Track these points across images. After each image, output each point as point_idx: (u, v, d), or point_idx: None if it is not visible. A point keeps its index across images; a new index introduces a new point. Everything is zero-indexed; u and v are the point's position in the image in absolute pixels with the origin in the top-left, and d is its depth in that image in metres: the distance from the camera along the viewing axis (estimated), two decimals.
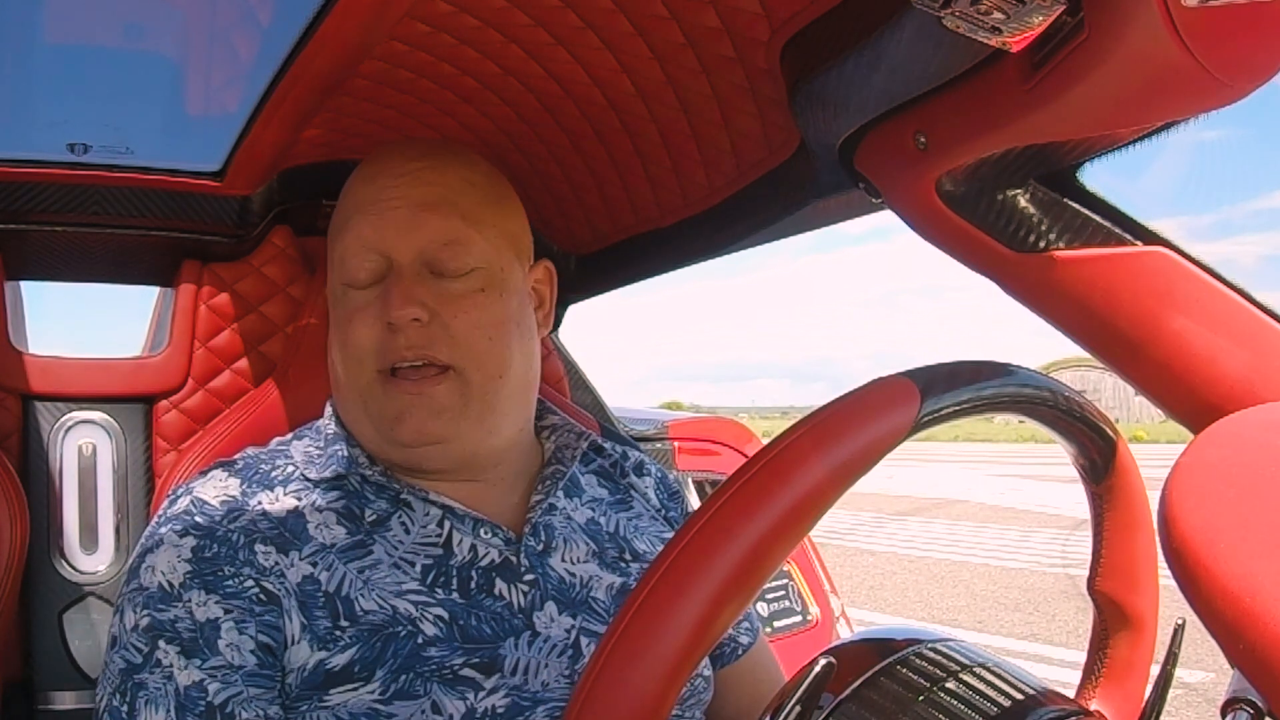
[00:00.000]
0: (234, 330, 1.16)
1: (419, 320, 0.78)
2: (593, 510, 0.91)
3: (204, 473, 0.83)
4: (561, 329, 1.45)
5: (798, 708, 0.49)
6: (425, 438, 0.79)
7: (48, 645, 1.07)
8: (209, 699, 0.69)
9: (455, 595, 0.77)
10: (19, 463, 1.09)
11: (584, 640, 0.79)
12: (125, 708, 0.70)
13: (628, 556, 0.88)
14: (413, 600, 0.75)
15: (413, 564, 0.78)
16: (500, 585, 0.79)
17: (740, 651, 0.96)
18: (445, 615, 0.75)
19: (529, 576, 0.81)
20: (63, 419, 1.12)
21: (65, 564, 1.09)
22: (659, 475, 1.01)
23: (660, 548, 0.91)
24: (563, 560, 0.84)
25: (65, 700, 1.07)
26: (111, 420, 1.14)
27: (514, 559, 0.81)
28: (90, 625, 1.09)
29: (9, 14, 0.79)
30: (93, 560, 1.11)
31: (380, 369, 0.79)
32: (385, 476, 0.81)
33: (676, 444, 1.53)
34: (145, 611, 0.72)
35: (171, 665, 0.70)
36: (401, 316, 0.77)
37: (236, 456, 0.86)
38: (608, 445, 1.00)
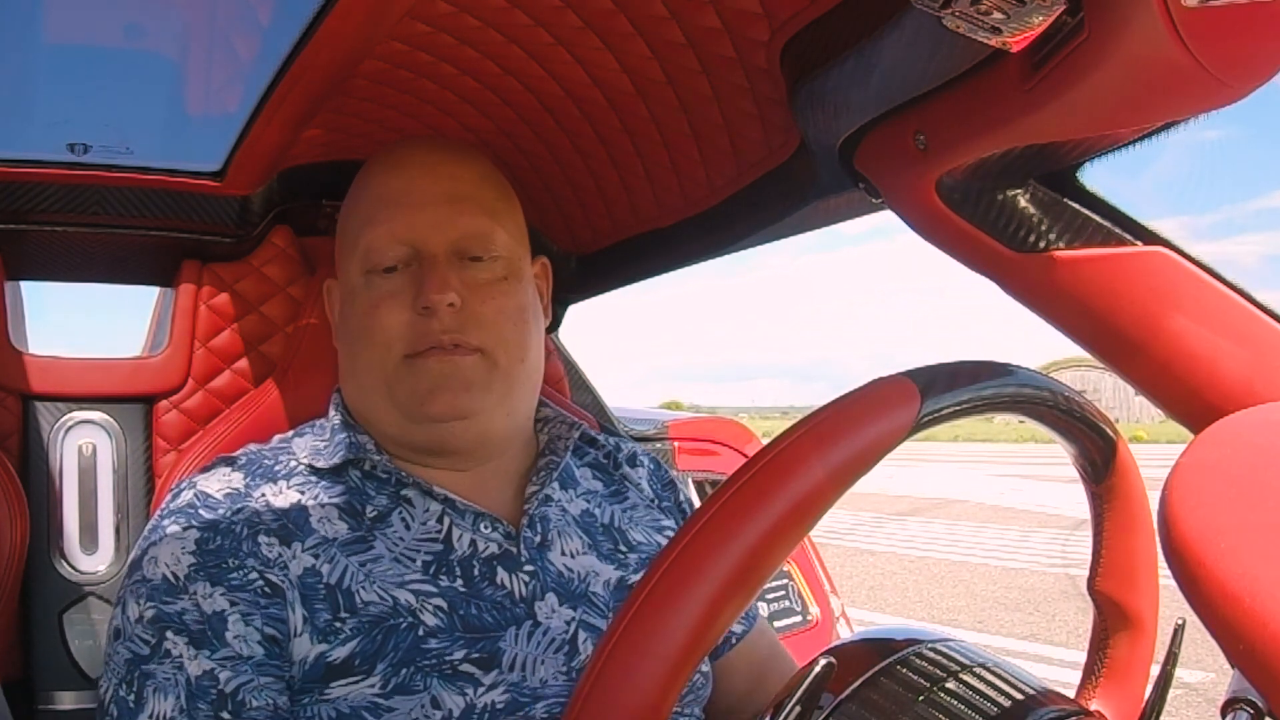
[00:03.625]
0: (234, 330, 1.16)
1: (454, 305, 0.80)
2: (587, 502, 0.91)
3: (207, 468, 0.84)
4: (561, 329, 1.45)
5: (798, 708, 0.49)
6: (455, 411, 0.80)
7: (48, 645, 1.07)
8: (220, 687, 0.69)
9: (458, 583, 0.78)
10: (19, 463, 1.09)
11: (582, 634, 0.80)
12: (133, 697, 0.70)
13: (624, 548, 0.89)
14: (414, 590, 0.76)
15: (414, 558, 0.78)
16: (502, 574, 0.80)
17: (734, 640, 0.97)
18: (445, 605, 0.76)
19: (529, 567, 0.81)
20: (63, 419, 1.12)
21: (65, 564, 1.09)
22: (652, 466, 1.02)
23: (656, 538, 0.92)
24: (561, 554, 0.84)
25: (65, 700, 1.07)
26: (111, 420, 1.14)
27: (514, 550, 0.81)
28: (90, 625, 1.09)
29: (9, 14, 0.79)
30: (93, 560, 1.11)
31: (408, 353, 0.81)
32: (389, 468, 0.82)
33: (676, 444, 1.53)
34: (150, 603, 0.72)
35: (181, 655, 0.70)
36: (439, 301, 0.79)
37: (238, 452, 0.86)
38: (601, 438, 1.01)
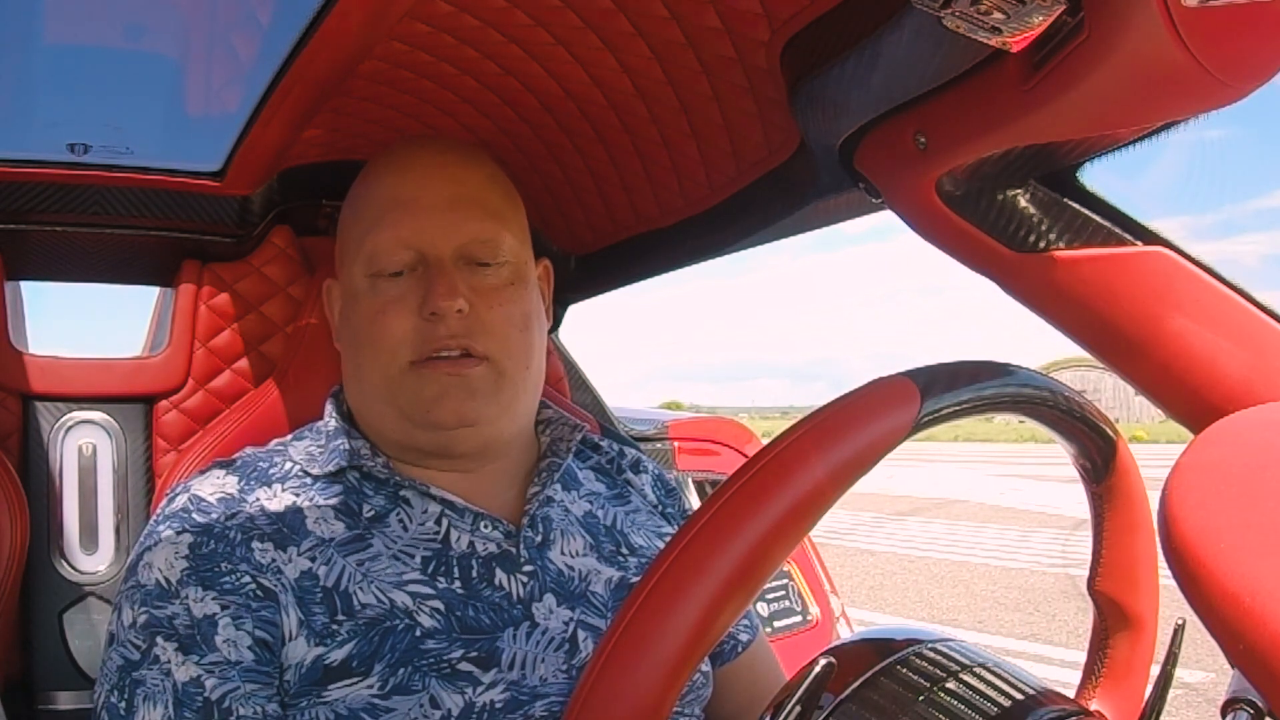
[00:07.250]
0: (234, 330, 1.16)
1: (462, 311, 0.79)
2: (590, 503, 0.91)
3: (202, 471, 0.83)
4: (561, 329, 1.45)
5: (798, 708, 0.49)
6: (462, 418, 0.80)
7: (48, 645, 1.07)
8: (206, 694, 0.69)
9: (456, 585, 0.77)
10: (19, 463, 1.09)
11: (581, 634, 0.80)
12: (123, 704, 0.70)
13: (625, 550, 0.89)
14: (411, 592, 0.76)
15: (412, 555, 0.78)
16: (500, 575, 0.80)
17: (739, 649, 0.96)
18: (442, 607, 0.76)
19: (528, 568, 0.81)
20: (63, 419, 1.12)
21: (65, 564, 1.09)
22: (656, 473, 1.02)
23: (657, 542, 0.92)
24: (561, 553, 0.84)
25: (65, 700, 1.07)
26: (111, 420, 1.14)
27: (513, 550, 0.81)
28: (90, 625, 1.09)
29: (9, 14, 0.79)
30: (93, 560, 1.11)
31: (414, 359, 0.80)
32: (386, 470, 0.82)
33: (676, 444, 1.53)
34: (143, 608, 0.72)
35: (169, 662, 0.70)
36: (448, 307, 0.78)
37: (235, 456, 0.86)
38: (604, 443, 1.01)
